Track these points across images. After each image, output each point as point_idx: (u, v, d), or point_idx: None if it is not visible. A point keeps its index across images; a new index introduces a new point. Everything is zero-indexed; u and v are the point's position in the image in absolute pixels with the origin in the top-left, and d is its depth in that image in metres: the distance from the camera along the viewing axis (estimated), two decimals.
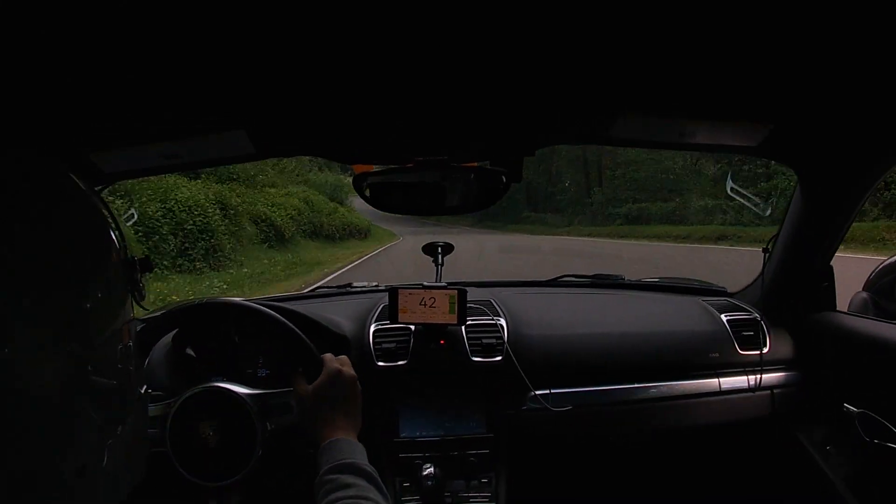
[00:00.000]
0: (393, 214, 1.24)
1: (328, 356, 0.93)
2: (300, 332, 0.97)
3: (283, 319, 0.99)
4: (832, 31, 0.65)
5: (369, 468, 0.77)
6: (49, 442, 0.38)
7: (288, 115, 0.95)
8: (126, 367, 0.47)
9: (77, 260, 0.43)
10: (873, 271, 1.37)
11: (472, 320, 1.28)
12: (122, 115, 0.87)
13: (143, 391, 0.53)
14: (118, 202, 6.44)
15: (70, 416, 0.40)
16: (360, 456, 0.79)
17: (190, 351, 1.18)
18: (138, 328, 1.25)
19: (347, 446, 0.80)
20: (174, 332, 1.18)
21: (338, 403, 0.87)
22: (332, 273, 8.46)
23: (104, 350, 0.44)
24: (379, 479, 0.76)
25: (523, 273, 6.54)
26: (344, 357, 0.94)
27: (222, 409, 0.94)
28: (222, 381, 0.98)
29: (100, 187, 1.18)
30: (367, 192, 1.12)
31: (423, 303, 1.22)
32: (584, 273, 1.67)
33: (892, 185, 8.40)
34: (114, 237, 0.49)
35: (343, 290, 1.61)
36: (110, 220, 0.50)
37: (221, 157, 1.12)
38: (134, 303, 0.53)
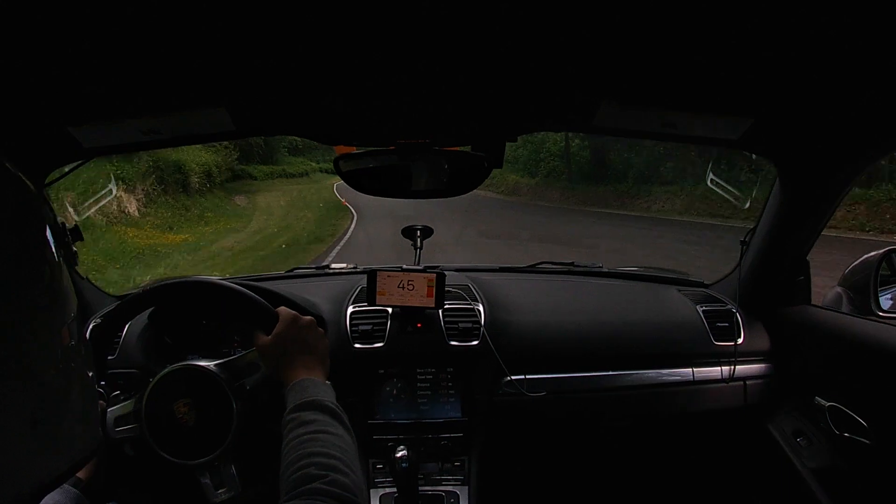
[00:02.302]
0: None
1: (282, 308, 0.94)
2: (252, 294, 0.96)
3: (241, 289, 0.97)
4: (813, 25, 0.65)
5: (332, 404, 0.78)
6: None
7: (269, 94, 0.94)
8: (68, 367, 0.44)
9: (11, 261, 0.40)
10: (848, 267, 1.38)
11: (450, 304, 1.28)
12: (101, 89, 0.86)
13: (96, 381, 0.51)
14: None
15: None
16: (323, 393, 0.80)
17: (165, 336, 1.17)
18: (113, 307, 1.25)
19: (311, 385, 0.82)
20: (149, 311, 1.18)
21: (298, 345, 0.89)
22: None
23: (42, 357, 0.42)
24: (343, 415, 0.77)
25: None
26: (285, 308, 0.95)
27: (197, 386, 0.93)
28: (196, 358, 0.97)
29: (79, 162, 1.17)
30: (347, 174, 1.12)
31: (401, 285, 1.23)
32: (562, 260, 1.68)
33: None
34: (48, 238, 0.45)
35: (321, 272, 1.61)
36: (47, 214, 0.47)
37: (202, 135, 1.12)
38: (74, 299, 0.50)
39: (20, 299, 0.40)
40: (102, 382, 1.03)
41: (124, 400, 0.97)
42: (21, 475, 0.39)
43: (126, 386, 1.08)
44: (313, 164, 29.15)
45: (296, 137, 1.21)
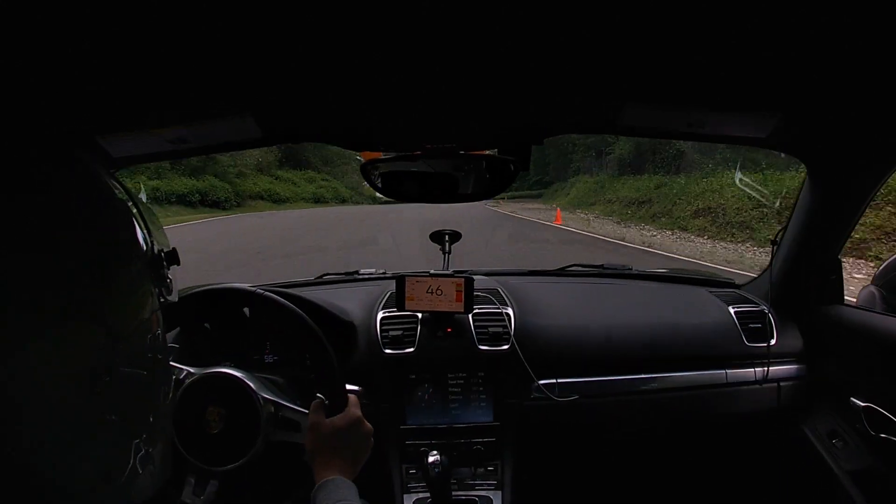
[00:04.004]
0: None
1: (353, 398, 0.94)
2: (332, 356, 0.96)
3: (314, 326, 0.98)
4: (842, 19, 0.64)
5: None
6: (71, 448, 0.37)
7: (296, 101, 0.94)
8: (155, 356, 0.47)
9: (102, 252, 0.43)
10: (882, 266, 1.36)
11: (479, 308, 1.28)
12: (130, 99, 0.87)
13: (171, 386, 0.53)
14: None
15: (93, 420, 0.39)
16: (352, 497, 0.81)
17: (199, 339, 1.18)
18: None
19: (341, 487, 0.82)
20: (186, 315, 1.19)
21: (347, 450, 0.88)
22: None
23: (133, 340, 0.44)
24: None
25: None
26: (356, 399, 0.95)
27: (229, 395, 0.94)
28: (229, 366, 0.98)
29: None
30: (375, 180, 1.12)
31: (429, 290, 1.22)
32: (591, 262, 1.67)
33: None
34: (138, 228, 0.48)
35: (350, 278, 1.61)
36: (136, 213, 0.49)
37: (229, 143, 1.12)
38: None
39: (119, 277, 0.44)
40: None
41: None
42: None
43: None
44: (311, 186, 27.66)
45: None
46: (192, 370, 0.97)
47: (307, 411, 0.93)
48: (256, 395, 0.93)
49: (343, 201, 29.12)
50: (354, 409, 0.92)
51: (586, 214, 15.91)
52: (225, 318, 1.18)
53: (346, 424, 0.89)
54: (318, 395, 0.94)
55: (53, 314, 0.37)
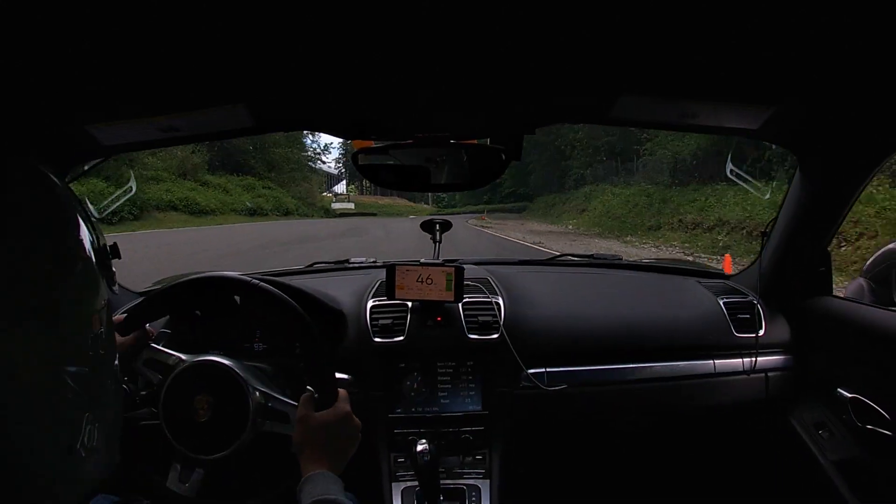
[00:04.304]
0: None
1: (343, 393, 0.94)
2: (324, 349, 0.96)
3: (305, 315, 0.98)
4: (837, 15, 0.64)
5: (348, 502, 0.80)
6: (37, 420, 0.40)
7: (288, 89, 0.94)
8: (97, 354, 0.48)
9: (45, 255, 0.44)
10: (871, 258, 1.37)
11: (469, 298, 1.28)
12: (120, 87, 0.86)
13: (119, 376, 0.55)
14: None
15: (54, 397, 0.42)
16: (337, 492, 0.81)
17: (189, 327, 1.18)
18: (138, 302, 1.26)
19: (326, 481, 0.82)
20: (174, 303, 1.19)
21: (335, 445, 0.88)
22: None
23: (74, 340, 0.45)
24: None
25: None
26: (346, 394, 0.95)
27: (218, 384, 0.94)
28: (219, 354, 0.98)
29: (99, 160, 1.18)
30: (365, 167, 1.12)
31: (420, 279, 1.22)
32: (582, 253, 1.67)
33: None
34: (84, 228, 0.49)
35: (341, 266, 1.62)
36: (81, 213, 0.50)
37: (220, 131, 1.12)
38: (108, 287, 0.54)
39: (54, 287, 0.44)
40: (126, 378, 1.04)
41: (148, 399, 0.98)
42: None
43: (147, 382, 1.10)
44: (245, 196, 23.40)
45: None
46: (183, 357, 0.97)
47: (296, 403, 0.93)
48: (246, 384, 0.93)
49: (286, 213, 25.33)
50: (344, 404, 0.92)
51: (658, 245, 10.63)
52: (215, 306, 1.18)
53: (334, 419, 0.89)
54: (308, 387, 0.94)
55: (7, 316, 0.38)
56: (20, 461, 0.39)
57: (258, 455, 0.97)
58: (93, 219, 0.54)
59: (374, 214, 33.85)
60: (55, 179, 0.48)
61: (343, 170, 51.05)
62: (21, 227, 0.42)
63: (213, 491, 0.96)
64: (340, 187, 50.34)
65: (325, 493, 0.79)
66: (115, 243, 0.59)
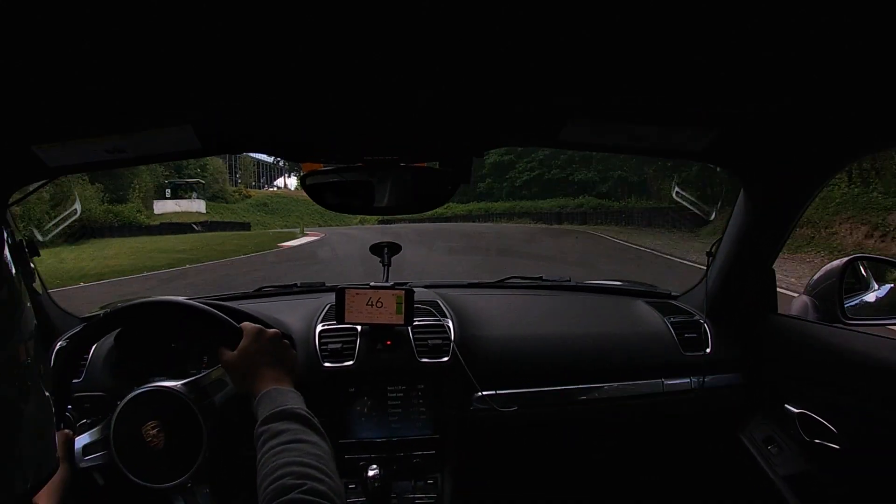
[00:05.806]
0: None
1: (246, 323, 0.95)
2: (215, 311, 0.97)
3: (204, 306, 0.97)
4: (776, 39, 0.66)
5: (303, 411, 0.79)
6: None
7: (235, 112, 0.93)
8: (23, 384, 0.45)
9: None
10: (814, 276, 1.40)
11: (419, 321, 1.28)
12: (65, 108, 0.85)
13: (48, 391, 0.53)
14: None
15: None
16: (293, 401, 0.81)
17: (132, 358, 1.16)
18: (79, 328, 1.23)
19: (279, 395, 0.82)
20: (116, 332, 1.16)
21: (264, 357, 0.90)
22: None
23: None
24: (315, 420, 0.78)
25: None
26: (249, 324, 0.96)
27: (164, 407, 0.92)
28: (164, 380, 0.96)
29: (44, 181, 1.15)
30: (313, 190, 1.12)
31: (369, 303, 1.22)
32: (531, 275, 1.68)
33: None
34: (6, 259, 0.47)
35: (289, 290, 1.60)
36: (5, 239, 0.48)
37: (167, 153, 1.11)
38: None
39: None
40: (70, 407, 1.01)
41: (91, 426, 0.95)
42: None
43: (93, 410, 1.06)
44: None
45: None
46: (135, 388, 0.95)
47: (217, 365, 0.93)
48: (182, 392, 0.92)
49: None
50: (249, 326, 0.93)
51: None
52: (149, 332, 1.17)
53: (249, 342, 0.91)
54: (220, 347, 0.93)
55: None
56: None
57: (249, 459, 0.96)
58: (9, 242, 0.51)
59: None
60: None
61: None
62: None
63: (231, 495, 0.97)
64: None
65: (281, 405, 0.79)
66: (31, 240, 0.57)
